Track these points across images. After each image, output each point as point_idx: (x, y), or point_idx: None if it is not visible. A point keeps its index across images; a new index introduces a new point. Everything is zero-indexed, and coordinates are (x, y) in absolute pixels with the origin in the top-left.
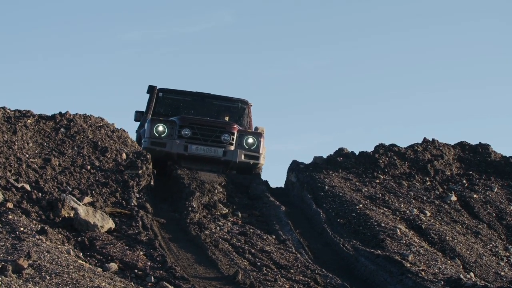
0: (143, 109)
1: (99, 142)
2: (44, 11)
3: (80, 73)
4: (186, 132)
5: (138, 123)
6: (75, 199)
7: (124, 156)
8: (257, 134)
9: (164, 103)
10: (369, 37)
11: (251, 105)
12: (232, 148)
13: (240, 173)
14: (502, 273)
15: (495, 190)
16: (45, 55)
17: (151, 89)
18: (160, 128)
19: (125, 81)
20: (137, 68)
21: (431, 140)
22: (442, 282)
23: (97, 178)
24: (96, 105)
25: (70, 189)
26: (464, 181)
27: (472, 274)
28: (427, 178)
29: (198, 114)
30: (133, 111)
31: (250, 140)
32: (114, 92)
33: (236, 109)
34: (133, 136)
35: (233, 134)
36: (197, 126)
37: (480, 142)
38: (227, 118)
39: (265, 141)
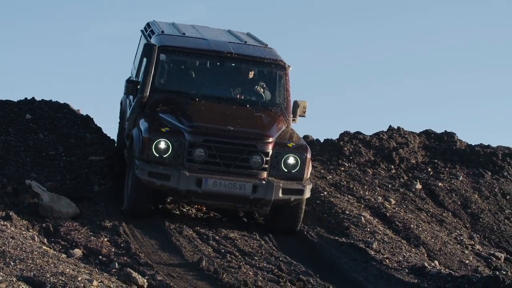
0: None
1: (64, 128)
2: (18, 2)
3: (49, 62)
4: (201, 153)
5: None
6: (39, 185)
7: (88, 142)
8: (301, 149)
9: (168, 69)
10: (336, 26)
11: (289, 68)
12: (265, 176)
13: (273, 211)
14: (467, 262)
15: (460, 179)
16: (15, 45)
17: (149, 49)
18: (162, 145)
19: (94, 69)
20: (110, 59)
21: (396, 128)
22: (407, 270)
23: (61, 164)
24: (63, 92)
25: (35, 175)
26: (429, 169)
27: (436, 262)
28: (392, 166)
29: (217, 83)
30: (104, 99)
31: (291, 160)
32: (83, 80)
33: (268, 76)
34: (99, 122)
35: (266, 154)
36: (215, 145)
37: (445, 131)
38: (258, 88)
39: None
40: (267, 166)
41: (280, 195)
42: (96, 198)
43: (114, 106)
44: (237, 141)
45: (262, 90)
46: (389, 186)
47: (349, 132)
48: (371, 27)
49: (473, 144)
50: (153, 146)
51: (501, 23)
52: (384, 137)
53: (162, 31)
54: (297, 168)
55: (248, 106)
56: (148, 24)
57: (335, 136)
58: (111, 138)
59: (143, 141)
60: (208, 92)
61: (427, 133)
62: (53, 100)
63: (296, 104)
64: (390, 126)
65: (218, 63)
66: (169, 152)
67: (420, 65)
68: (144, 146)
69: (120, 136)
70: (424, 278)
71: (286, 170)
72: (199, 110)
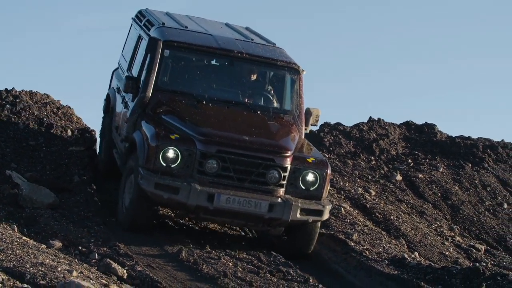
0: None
1: (45, 119)
2: None
3: (29, 52)
4: (213, 165)
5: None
6: (19, 175)
7: (69, 132)
8: (322, 165)
9: (172, 67)
10: (316, 16)
11: (303, 73)
12: (281, 193)
13: (288, 230)
14: (447, 253)
15: (441, 170)
16: None
17: (152, 44)
18: (171, 153)
19: (73, 59)
20: (90, 52)
21: (376, 119)
22: (386, 262)
23: (42, 155)
24: (43, 83)
25: (15, 165)
26: (410, 161)
27: (416, 253)
28: (372, 157)
29: (225, 85)
30: (84, 89)
31: (310, 177)
32: (63, 70)
33: (280, 79)
34: (79, 112)
35: (284, 169)
36: (229, 157)
37: (426, 122)
38: (269, 94)
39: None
40: (284, 182)
41: (298, 215)
42: (76, 189)
43: (94, 95)
44: (253, 153)
45: (272, 95)
46: (369, 177)
47: (329, 123)
48: (351, 18)
49: (453, 136)
50: (161, 155)
51: (480, 13)
52: (364, 128)
53: (163, 23)
54: (316, 185)
55: (258, 112)
56: (140, 12)
57: (315, 127)
58: (91, 128)
59: (150, 149)
60: (215, 94)
61: (408, 125)
62: (33, 91)
63: (308, 112)
64: (370, 117)
65: (227, 63)
66: (177, 162)
67: (400, 56)
68: (151, 154)
69: (107, 134)
70: (404, 269)
71: (304, 188)
72: (208, 115)
